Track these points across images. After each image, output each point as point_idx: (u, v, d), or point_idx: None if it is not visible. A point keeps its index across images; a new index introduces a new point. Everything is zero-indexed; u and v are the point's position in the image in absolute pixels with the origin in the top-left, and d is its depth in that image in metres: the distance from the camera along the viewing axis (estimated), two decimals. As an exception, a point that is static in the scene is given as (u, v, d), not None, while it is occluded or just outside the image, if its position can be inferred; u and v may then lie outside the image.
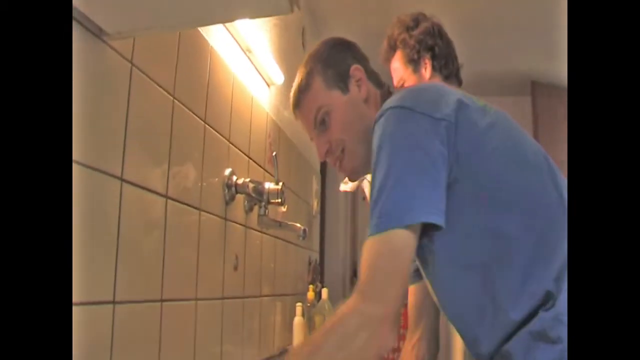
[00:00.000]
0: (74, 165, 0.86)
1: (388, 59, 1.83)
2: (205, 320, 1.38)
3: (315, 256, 2.74)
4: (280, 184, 1.59)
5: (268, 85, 1.99)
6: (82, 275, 0.87)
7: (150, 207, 1.14)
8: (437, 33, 1.80)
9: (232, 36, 1.60)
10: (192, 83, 1.35)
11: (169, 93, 1.22)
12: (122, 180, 1.03)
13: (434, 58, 1.76)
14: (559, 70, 3.63)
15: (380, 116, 0.95)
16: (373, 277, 0.86)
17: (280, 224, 1.62)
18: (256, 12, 0.92)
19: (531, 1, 2.84)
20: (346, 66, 1.16)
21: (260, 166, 1.84)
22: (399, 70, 1.81)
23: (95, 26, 0.93)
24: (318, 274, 2.59)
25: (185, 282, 1.29)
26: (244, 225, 1.68)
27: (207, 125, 1.42)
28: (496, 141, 0.97)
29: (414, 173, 0.89)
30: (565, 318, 0.88)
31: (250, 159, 1.76)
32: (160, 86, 1.18)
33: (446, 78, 1.78)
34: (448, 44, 1.82)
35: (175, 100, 1.25)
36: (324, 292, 2.25)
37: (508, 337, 0.91)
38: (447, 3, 2.84)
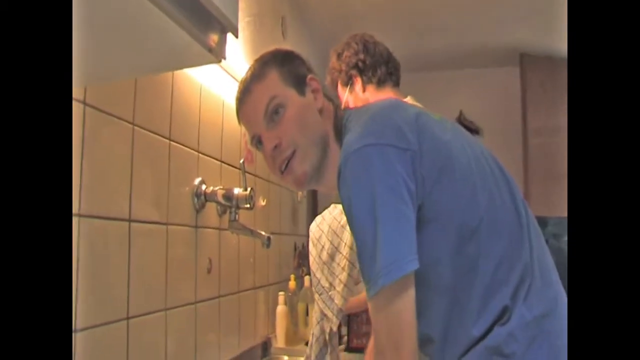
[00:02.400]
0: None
1: (335, 89, 1.94)
2: (176, 326, 1.47)
3: (303, 240, 2.82)
4: (249, 189, 1.65)
5: (242, 86, 2.03)
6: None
7: (111, 234, 1.21)
8: (362, 49, 1.88)
9: (198, 47, 1.64)
10: (154, 104, 1.40)
11: (127, 121, 1.27)
12: (79, 215, 1.10)
13: (361, 73, 1.85)
14: (549, 42, 3.62)
15: (346, 160, 0.96)
16: (384, 345, 0.93)
17: (251, 231, 1.69)
18: (187, 65, 0.97)
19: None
20: (303, 72, 1.14)
21: (235, 167, 1.90)
22: (341, 95, 1.92)
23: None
24: (305, 258, 2.67)
25: (153, 296, 1.38)
26: (217, 229, 1.76)
27: (172, 142, 1.47)
28: (458, 162, 1.01)
29: (393, 222, 0.92)
30: (518, 333, 0.95)
31: (223, 162, 1.82)
32: (117, 117, 1.23)
33: (378, 84, 1.86)
34: (374, 53, 1.89)
35: (135, 127, 1.30)
36: (307, 280, 2.34)
37: (466, 352, 0.98)
38: None
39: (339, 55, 1.87)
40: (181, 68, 1.12)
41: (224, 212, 1.77)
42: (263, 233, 1.65)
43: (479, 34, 3.63)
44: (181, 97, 1.53)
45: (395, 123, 1.00)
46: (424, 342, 1.04)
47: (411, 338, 0.92)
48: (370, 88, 1.83)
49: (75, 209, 1.09)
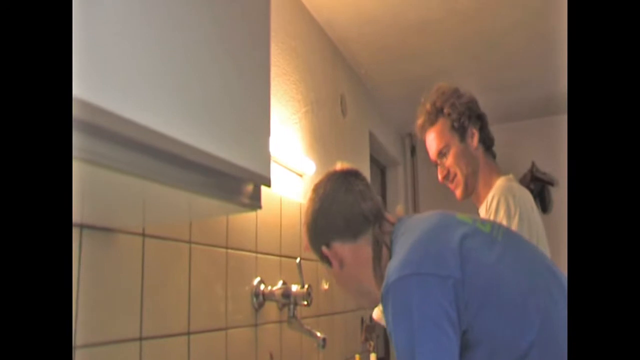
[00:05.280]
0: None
1: (425, 128, 1.80)
2: None
3: (370, 313, 2.83)
4: (306, 286, 1.72)
5: (300, 176, 2.11)
6: None
7: (171, 350, 1.30)
8: (477, 105, 1.79)
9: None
10: (209, 220, 1.50)
11: (184, 241, 1.37)
12: (140, 339, 1.20)
13: (482, 129, 1.76)
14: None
15: (387, 290, 1.01)
16: None
17: (308, 331, 1.74)
18: (228, 214, 1.05)
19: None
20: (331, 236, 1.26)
21: (294, 258, 1.97)
22: (439, 139, 1.77)
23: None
24: (372, 331, 2.69)
25: (214, 401, 1.45)
26: (278, 322, 1.82)
27: (228, 250, 1.56)
28: (505, 280, 1.03)
29: (431, 355, 0.95)
30: None
31: (283, 256, 1.89)
32: (174, 239, 1.34)
33: (488, 149, 1.79)
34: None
35: (192, 244, 1.40)
36: (372, 357, 2.35)
37: None
38: (508, 34, 2.82)
39: (454, 96, 1.72)
40: (224, 215, 1.22)
41: (284, 306, 1.83)
42: (319, 334, 1.70)
43: (549, 84, 3.58)
44: (238, 204, 1.63)
45: (438, 250, 1.04)
46: None
47: None
48: (481, 149, 1.74)
49: (136, 334, 1.19)
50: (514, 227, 1.55)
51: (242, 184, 0.94)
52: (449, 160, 1.76)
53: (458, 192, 1.78)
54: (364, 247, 1.23)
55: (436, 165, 1.82)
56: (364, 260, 1.22)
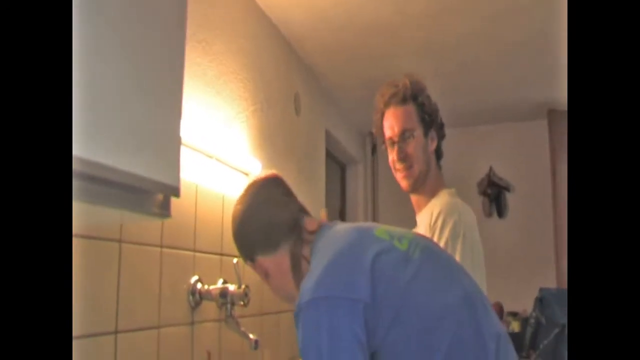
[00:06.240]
0: None
1: (392, 103, 1.69)
2: None
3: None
4: (243, 286, 1.73)
5: (246, 175, 2.12)
6: None
7: (96, 349, 1.30)
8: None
9: (192, 149, 1.71)
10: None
11: (113, 240, 1.37)
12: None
13: (440, 138, 1.74)
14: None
15: (299, 310, 1.04)
16: None
17: (243, 332, 1.75)
18: (138, 221, 1.06)
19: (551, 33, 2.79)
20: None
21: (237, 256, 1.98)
22: (407, 119, 1.68)
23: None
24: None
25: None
26: (217, 321, 1.83)
27: (163, 249, 1.57)
28: (416, 301, 1.04)
29: None
30: None
31: (224, 255, 1.90)
32: (102, 238, 1.33)
33: (438, 160, 1.77)
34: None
35: (122, 243, 1.40)
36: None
37: None
38: (465, 39, 2.84)
39: (428, 96, 1.67)
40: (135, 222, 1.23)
41: (223, 305, 1.84)
42: (252, 336, 1.72)
43: (506, 91, 3.63)
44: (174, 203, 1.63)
45: (350, 272, 1.05)
46: None
47: None
48: (434, 156, 1.72)
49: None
50: (458, 246, 1.55)
51: (151, 195, 0.95)
52: (411, 146, 1.68)
53: (407, 183, 1.70)
54: (284, 257, 1.25)
55: (393, 143, 1.70)
56: (285, 270, 1.25)
